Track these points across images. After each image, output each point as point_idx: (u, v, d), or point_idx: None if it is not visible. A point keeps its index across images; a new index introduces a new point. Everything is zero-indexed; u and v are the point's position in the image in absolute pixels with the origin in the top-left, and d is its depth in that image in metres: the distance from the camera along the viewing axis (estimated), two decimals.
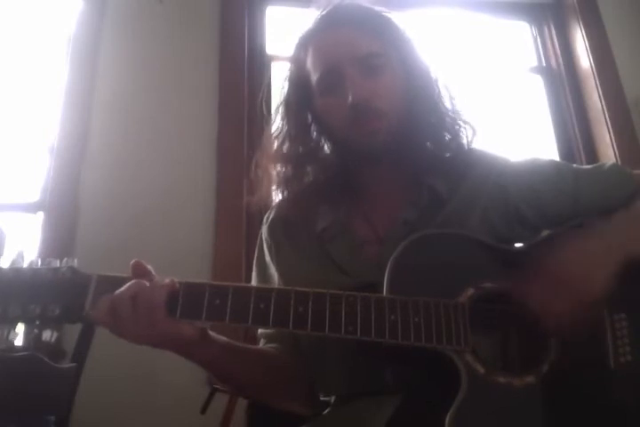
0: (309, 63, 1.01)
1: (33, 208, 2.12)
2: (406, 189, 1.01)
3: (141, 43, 2.34)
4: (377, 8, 1.05)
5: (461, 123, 1.03)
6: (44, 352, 1.39)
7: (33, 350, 1.33)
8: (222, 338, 0.87)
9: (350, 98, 0.94)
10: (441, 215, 0.95)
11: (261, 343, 1.04)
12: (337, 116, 0.99)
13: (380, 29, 1.01)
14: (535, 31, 2.79)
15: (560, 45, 2.68)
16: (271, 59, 2.45)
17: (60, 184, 2.10)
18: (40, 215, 2.10)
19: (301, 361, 0.99)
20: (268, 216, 1.12)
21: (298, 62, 1.05)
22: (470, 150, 1.05)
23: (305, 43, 1.03)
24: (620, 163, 2.28)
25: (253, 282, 1.09)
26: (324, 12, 1.03)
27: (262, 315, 0.77)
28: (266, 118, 1.14)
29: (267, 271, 1.07)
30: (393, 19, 1.05)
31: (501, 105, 2.59)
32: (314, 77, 1.00)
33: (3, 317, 0.74)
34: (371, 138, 0.96)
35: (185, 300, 0.77)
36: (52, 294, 0.75)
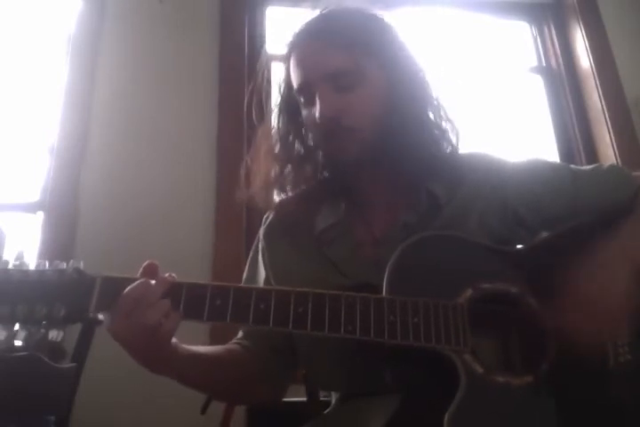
0: (291, 74, 1.02)
1: (33, 208, 2.12)
2: (405, 192, 1.01)
3: (141, 43, 2.34)
4: (364, 11, 1.03)
5: (451, 126, 1.02)
6: (46, 351, 1.39)
7: (33, 350, 1.33)
8: (186, 351, 0.86)
9: (317, 115, 0.94)
10: (439, 219, 0.96)
11: (239, 335, 1.05)
12: (312, 129, 1.00)
13: (356, 41, 0.97)
14: (535, 31, 2.79)
15: (560, 45, 2.68)
16: (271, 59, 2.44)
17: (59, 184, 2.10)
18: (40, 215, 2.10)
19: (270, 362, 1.00)
20: (267, 217, 1.12)
21: (286, 68, 1.05)
22: (465, 153, 1.05)
23: (290, 51, 1.03)
24: (620, 163, 2.29)
25: (243, 281, 1.10)
26: (307, 21, 1.03)
27: (263, 315, 0.78)
28: (259, 117, 1.14)
29: (255, 273, 1.08)
30: (377, 23, 1.02)
31: (501, 105, 2.59)
32: (294, 89, 1.01)
33: (11, 316, 0.75)
34: (340, 154, 0.97)
35: (187, 300, 0.78)
36: (59, 295, 0.76)
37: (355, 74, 0.95)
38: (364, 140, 0.95)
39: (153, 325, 0.75)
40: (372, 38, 1.00)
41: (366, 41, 0.98)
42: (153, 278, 0.78)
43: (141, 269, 0.80)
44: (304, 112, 1.01)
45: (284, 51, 1.05)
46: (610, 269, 0.84)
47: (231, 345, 1.03)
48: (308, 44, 0.99)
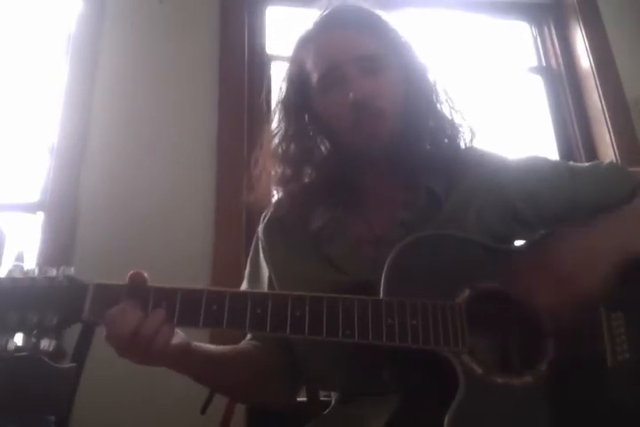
0: (310, 63, 1.02)
1: (33, 208, 2.12)
2: (404, 190, 1.01)
3: (141, 43, 2.34)
4: (376, 10, 1.05)
5: (459, 126, 1.03)
6: (44, 353, 1.39)
7: (33, 350, 1.33)
8: (201, 349, 0.87)
9: (352, 95, 0.94)
10: (438, 216, 0.96)
11: (247, 338, 1.05)
12: (338, 116, 0.99)
13: (381, 32, 1.02)
14: (535, 31, 2.79)
15: (560, 45, 2.68)
16: (271, 59, 2.45)
17: (59, 184, 2.10)
18: (40, 215, 2.09)
19: (282, 361, 1.01)
20: (265, 215, 1.13)
21: (298, 62, 1.05)
22: (468, 150, 1.05)
23: (306, 43, 1.03)
24: (619, 162, 2.28)
25: (245, 280, 1.10)
26: (325, 14, 1.04)
27: (259, 320, 0.77)
28: (266, 117, 1.14)
29: (259, 271, 1.08)
30: (392, 21, 1.05)
31: (501, 105, 2.59)
32: (314, 77, 1.01)
33: (1, 326, 0.74)
34: (371, 141, 0.97)
35: (182, 306, 0.77)
36: (50, 304, 0.75)
37: (382, 59, 0.99)
38: (391, 126, 0.97)
39: (149, 334, 0.74)
40: (391, 33, 1.03)
41: (388, 34, 1.03)
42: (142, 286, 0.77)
43: (128, 280, 0.78)
44: (326, 100, 1.01)
45: (296, 46, 1.05)
46: (606, 269, 0.84)
47: (241, 345, 1.04)
48: (338, 31, 1.01)
